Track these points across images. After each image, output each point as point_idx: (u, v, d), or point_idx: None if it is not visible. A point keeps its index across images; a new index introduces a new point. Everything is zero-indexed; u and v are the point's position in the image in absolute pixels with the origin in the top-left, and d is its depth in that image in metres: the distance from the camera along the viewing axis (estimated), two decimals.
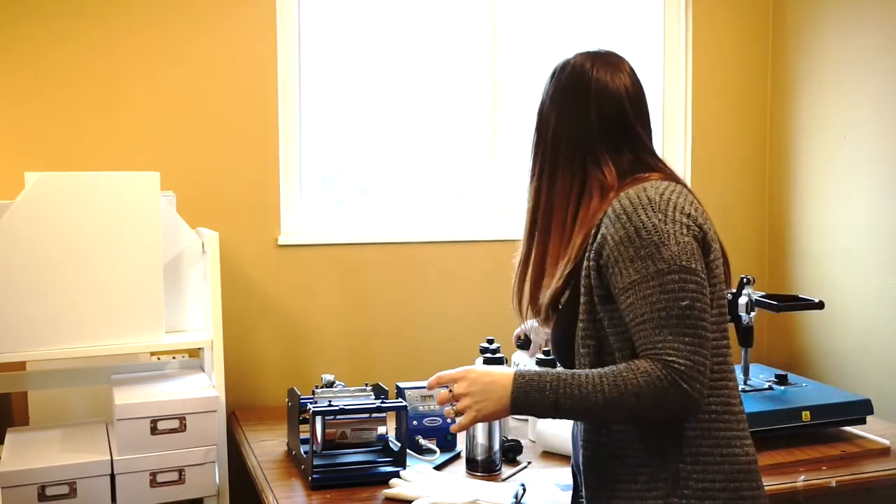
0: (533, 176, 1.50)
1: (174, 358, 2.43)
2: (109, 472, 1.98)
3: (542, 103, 1.51)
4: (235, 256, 2.58)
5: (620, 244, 1.33)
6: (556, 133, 1.47)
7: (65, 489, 1.93)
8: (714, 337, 1.35)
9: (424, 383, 2.22)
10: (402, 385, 2.22)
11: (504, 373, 1.36)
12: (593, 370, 1.33)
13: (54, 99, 2.41)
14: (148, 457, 2.00)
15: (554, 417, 1.36)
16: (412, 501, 1.82)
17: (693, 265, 1.31)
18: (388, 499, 1.87)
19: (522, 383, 1.34)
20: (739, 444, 1.38)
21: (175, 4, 2.50)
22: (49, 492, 1.92)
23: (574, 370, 1.35)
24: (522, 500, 1.82)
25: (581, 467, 1.47)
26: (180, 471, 2.03)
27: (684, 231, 1.32)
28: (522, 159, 2.92)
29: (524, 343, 2.07)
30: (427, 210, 2.86)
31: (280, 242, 2.64)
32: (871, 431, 2.24)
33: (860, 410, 2.22)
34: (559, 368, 1.40)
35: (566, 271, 1.43)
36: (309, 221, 2.72)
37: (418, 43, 2.85)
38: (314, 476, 1.94)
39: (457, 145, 2.91)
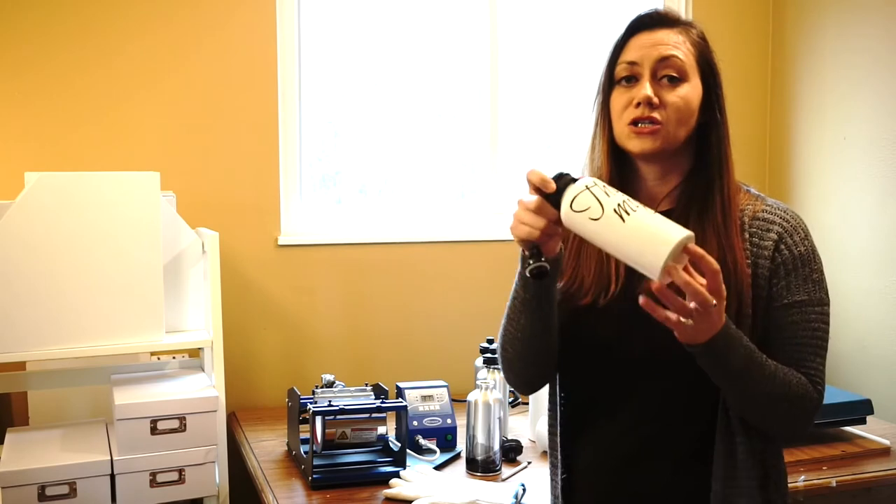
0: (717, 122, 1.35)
1: (174, 358, 2.43)
2: (109, 472, 1.98)
3: (710, 60, 1.35)
4: (235, 256, 2.58)
5: (799, 259, 1.30)
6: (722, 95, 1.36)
7: (65, 489, 1.93)
8: None
9: (424, 383, 2.25)
10: (402, 385, 2.22)
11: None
12: (765, 356, 1.27)
13: (54, 99, 2.41)
14: (148, 457, 2.00)
15: (725, 377, 1.25)
16: (412, 501, 1.82)
17: None
18: (387, 499, 1.87)
19: (730, 329, 1.21)
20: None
21: (175, 5, 2.50)
22: (49, 492, 1.92)
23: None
24: (522, 501, 1.82)
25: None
26: (180, 471, 2.03)
27: None
28: (522, 159, 2.94)
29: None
30: (427, 210, 2.86)
31: (280, 242, 2.64)
32: (871, 431, 2.25)
33: (860, 410, 2.22)
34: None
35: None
36: (309, 221, 2.72)
37: (418, 43, 2.85)
38: (314, 476, 1.94)
39: (457, 145, 2.91)
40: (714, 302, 1.12)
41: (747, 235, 1.31)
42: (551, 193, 1.21)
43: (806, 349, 1.30)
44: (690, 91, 1.31)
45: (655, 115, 1.29)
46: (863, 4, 2.75)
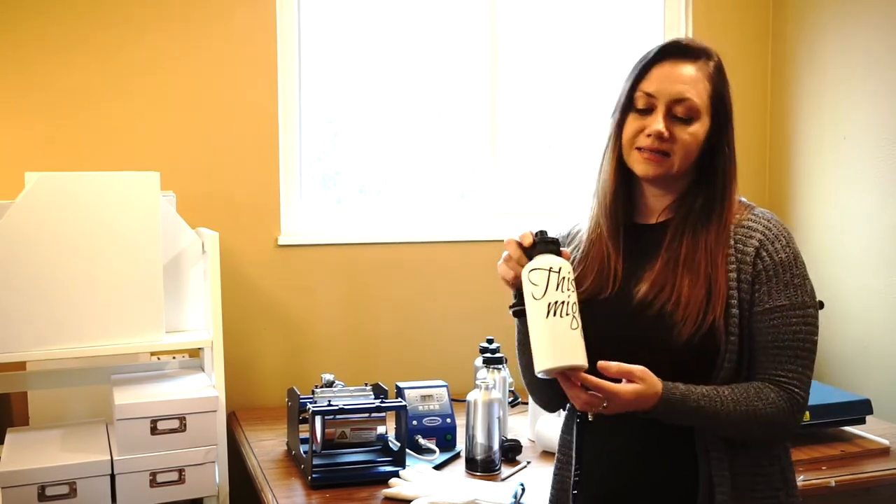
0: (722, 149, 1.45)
1: (174, 358, 2.43)
2: (109, 472, 1.98)
3: (723, 94, 1.46)
4: (235, 256, 2.58)
5: (780, 265, 1.36)
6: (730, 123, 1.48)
7: (65, 489, 1.93)
8: None
9: (423, 383, 2.25)
10: (401, 385, 2.22)
11: (656, 387, 1.31)
12: (726, 391, 1.33)
13: (54, 99, 2.42)
14: (148, 457, 2.00)
15: (686, 424, 1.35)
16: (411, 501, 1.83)
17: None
18: (387, 498, 1.87)
19: (671, 398, 1.30)
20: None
21: (175, 5, 2.50)
22: (49, 492, 1.92)
23: (709, 388, 1.33)
24: (522, 500, 1.82)
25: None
26: (180, 471, 2.03)
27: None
28: (522, 159, 2.94)
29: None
30: (427, 210, 2.86)
31: (280, 242, 2.64)
32: (870, 431, 2.25)
33: (859, 410, 2.22)
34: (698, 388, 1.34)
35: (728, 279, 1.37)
36: (309, 221, 2.72)
37: (418, 43, 2.85)
38: (314, 476, 1.94)
39: (457, 145, 2.91)
40: (604, 402, 1.27)
41: (732, 242, 1.39)
42: (527, 247, 1.32)
43: (785, 353, 1.35)
44: (699, 128, 1.40)
45: (664, 147, 1.38)
46: (862, 4, 2.75)
